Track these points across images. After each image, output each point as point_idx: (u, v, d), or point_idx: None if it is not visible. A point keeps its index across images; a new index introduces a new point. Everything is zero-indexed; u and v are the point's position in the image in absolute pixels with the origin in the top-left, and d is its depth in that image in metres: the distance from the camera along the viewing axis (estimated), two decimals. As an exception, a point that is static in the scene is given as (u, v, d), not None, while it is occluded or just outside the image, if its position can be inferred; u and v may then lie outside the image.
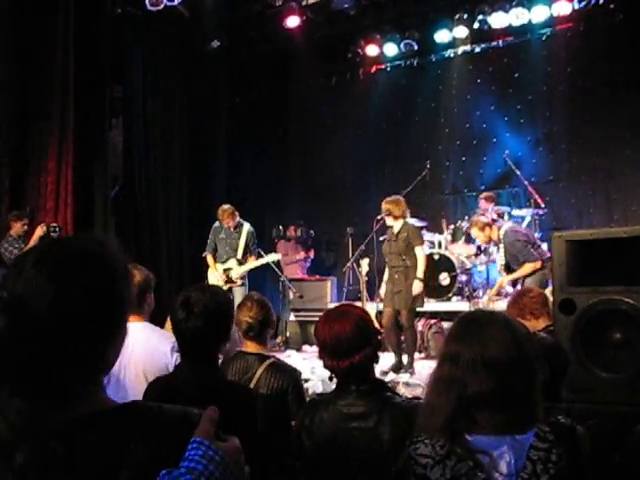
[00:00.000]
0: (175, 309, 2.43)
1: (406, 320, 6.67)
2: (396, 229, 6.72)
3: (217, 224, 7.70)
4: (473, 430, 1.65)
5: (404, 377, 6.39)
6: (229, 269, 7.53)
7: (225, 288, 7.21)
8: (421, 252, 6.67)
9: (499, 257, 6.74)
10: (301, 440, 2.41)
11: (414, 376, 6.44)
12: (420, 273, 6.59)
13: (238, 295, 7.19)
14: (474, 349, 1.68)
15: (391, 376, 6.41)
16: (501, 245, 6.56)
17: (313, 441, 2.36)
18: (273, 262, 7.78)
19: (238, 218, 7.66)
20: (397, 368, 6.65)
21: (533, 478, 1.60)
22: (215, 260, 7.66)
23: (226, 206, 7.64)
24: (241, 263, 7.54)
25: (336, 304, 8.49)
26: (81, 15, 8.19)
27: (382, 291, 6.98)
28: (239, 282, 7.50)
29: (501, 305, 7.91)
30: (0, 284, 1.04)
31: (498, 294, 7.31)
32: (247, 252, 7.60)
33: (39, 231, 7.21)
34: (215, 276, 7.55)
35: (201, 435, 1.00)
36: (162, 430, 1.03)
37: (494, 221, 7.50)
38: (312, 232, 10.46)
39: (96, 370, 1.09)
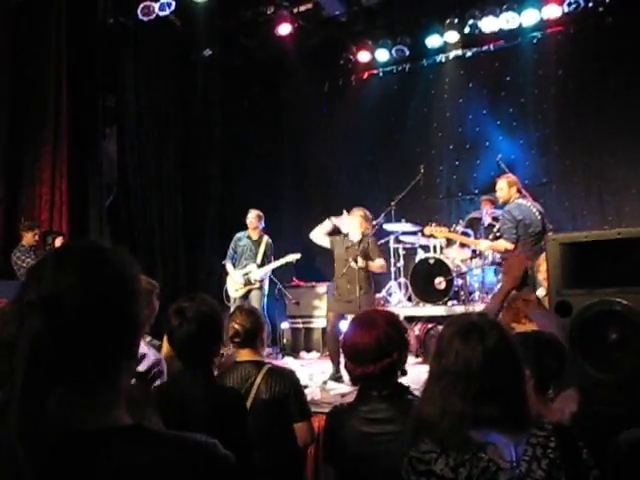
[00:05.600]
0: (169, 318, 2.55)
1: None
2: (356, 238, 6.58)
3: (238, 235, 8.32)
4: (475, 426, 1.68)
5: (402, 381, 6.38)
6: (248, 272, 8.04)
7: (244, 291, 7.98)
8: (382, 262, 6.61)
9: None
10: (328, 451, 2.44)
11: (411, 380, 6.42)
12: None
13: (254, 298, 7.91)
14: (469, 348, 1.72)
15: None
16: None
17: (340, 449, 2.37)
18: (292, 262, 8.13)
19: (262, 224, 8.25)
20: (336, 378, 6.14)
21: (534, 461, 1.63)
22: (235, 267, 8.19)
23: (256, 211, 8.29)
24: (259, 267, 8.05)
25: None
26: (73, 25, 8.21)
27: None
28: (257, 285, 8.00)
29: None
30: (21, 292, 1.03)
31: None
32: (264, 260, 8.13)
33: (59, 244, 7.35)
34: (234, 281, 8.09)
35: None
36: (163, 459, 0.99)
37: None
38: None
39: (120, 365, 1.08)
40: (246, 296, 7.95)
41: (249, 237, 8.21)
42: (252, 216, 8.18)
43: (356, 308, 6.09)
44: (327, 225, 6.86)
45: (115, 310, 1.05)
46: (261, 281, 8.05)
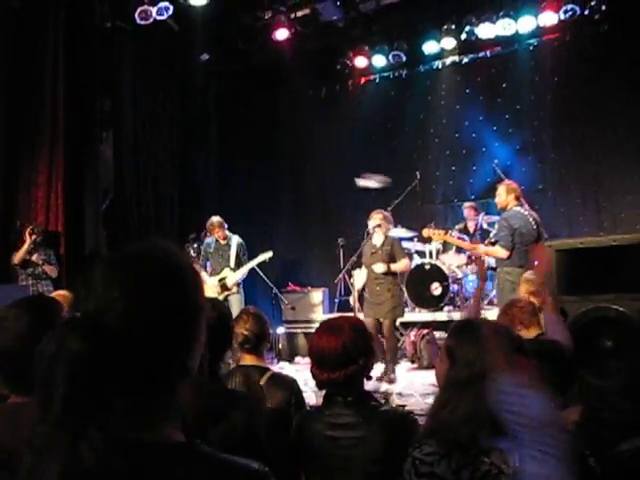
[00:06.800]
0: None
1: (388, 330, 6.75)
2: (378, 241, 6.83)
3: (207, 240, 8.08)
4: (490, 432, 1.66)
5: (397, 387, 6.40)
6: (224, 278, 7.80)
7: (221, 297, 7.61)
8: (406, 261, 6.97)
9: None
10: (296, 452, 2.44)
11: (407, 386, 6.45)
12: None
13: (235, 303, 7.62)
14: (490, 355, 1.71)
15: (385, 387, 6.42)
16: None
17: (306, 452, 2.39)
18: (265, 261, 7.97)
19: (227, 230, 7.99)
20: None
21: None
22: (209, 275, 7.91)
23: (215, 218, 8.00)
24: (234, 271, 7.81)
25: (328, 315, 8.55)
26: (71, 29, 8.21)
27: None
28: (234, 289, 7.77)
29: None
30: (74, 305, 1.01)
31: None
32: (239, 262, 7.87)
33: (28, 239, 7.23)
34: (210, 289, 7.76)
35: None
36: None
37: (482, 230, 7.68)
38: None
39: (174, 382, 1.03)
40: (225, 300, 7.69)
41: (217, 241, 7.95)
42: (216, 226, 7.89)
43: (385, 310, 6.62)
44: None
45: (175, 326, 1.01)
46: (238, 285, 7.83)
